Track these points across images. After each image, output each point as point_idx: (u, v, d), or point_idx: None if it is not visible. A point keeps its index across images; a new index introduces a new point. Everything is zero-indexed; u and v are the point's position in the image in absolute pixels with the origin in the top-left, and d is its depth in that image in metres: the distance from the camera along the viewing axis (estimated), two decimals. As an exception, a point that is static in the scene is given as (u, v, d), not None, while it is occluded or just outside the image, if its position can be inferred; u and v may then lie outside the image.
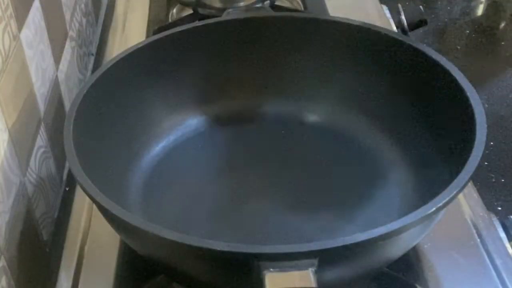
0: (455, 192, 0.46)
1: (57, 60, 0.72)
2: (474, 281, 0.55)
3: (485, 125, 0.52)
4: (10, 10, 0.57)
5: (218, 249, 0.43)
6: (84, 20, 0.88)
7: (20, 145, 0.57)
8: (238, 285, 0.48)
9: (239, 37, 0.68)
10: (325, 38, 0.67)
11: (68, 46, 0.77)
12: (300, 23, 0.68)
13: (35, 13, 0.65)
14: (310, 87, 0.69)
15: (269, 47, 0.69)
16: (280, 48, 0.69)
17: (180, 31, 0.67)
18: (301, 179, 0.63)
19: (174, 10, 0.95)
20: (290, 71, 0.69)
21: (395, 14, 0.89)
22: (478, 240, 0.58)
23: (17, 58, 0.58)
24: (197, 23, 0.69)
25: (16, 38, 0.58)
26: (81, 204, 0.65)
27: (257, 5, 0.82)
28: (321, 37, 0.67)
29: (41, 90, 0.65)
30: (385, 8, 0.93)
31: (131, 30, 0.91)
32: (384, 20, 0.89)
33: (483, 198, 0.63)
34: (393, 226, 0.44)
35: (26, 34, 0.61)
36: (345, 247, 0.42)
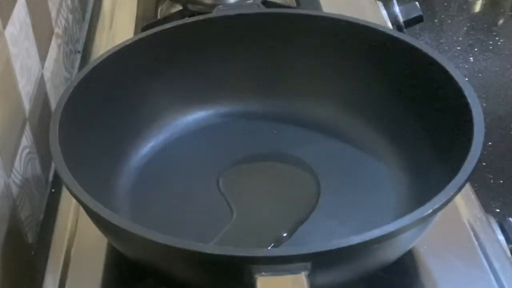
0: (452, 194, 0.46)
1: (42, 57, 0.71)
2: (472, 285, 0.54)
3: (483, 125, 0.51)
4: (-6, 6, 0.56)
5: (209, 252, 0.42)
6: (70, 17, 0.88)
7: (4, 145, 0.57)
8: (229, 290, 0.47)
9: (229, 35, 0.68)
10: (318, 35, 0.67)
11: (54, 44, 0.77)
12: (293, 19, 0.68)
13: (20, 9, 0.65)
14: (302, 85, 0.68)
15: (261, 44, 0.68)
16: (272, 45, 0.68)
17: (169, 28, 0.66)
18: (295, 180, 0.63)
19: (163, 7, 0.95)
20: (283, 69, 0.69)
21: (390, 10, 0.89)
22: (476, 242, 0.58)
23: (1, 56, 0.57)
24: (187, 20, 0.69)
25: (0, 34, 0.57)
26: (68, 206, 0.64)
27: (248, 1, 0.82)
28: (314, 34, 0.67)
29: (26, 88, 0.64)
30: (380, 4, 0.93)
31: (118, 27, 0.91)
32: (379, 16, 0.89)
33: (480, 199, 0.63)
34: (388, 228, 0.43)
35: (11, 30, 0.61)
36: (339, 250, 0.42)
